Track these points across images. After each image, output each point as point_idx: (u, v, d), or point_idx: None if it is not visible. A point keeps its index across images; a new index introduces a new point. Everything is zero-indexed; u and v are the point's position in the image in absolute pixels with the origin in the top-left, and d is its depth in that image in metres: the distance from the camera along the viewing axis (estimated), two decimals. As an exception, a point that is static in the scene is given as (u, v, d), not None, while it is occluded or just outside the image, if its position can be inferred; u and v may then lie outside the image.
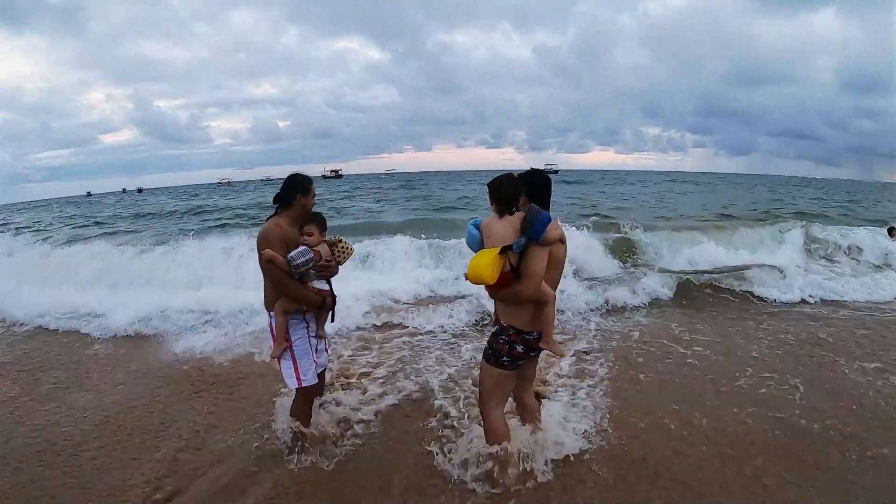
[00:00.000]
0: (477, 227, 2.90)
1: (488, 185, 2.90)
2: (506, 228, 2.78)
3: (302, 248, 3.10)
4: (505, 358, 2.98)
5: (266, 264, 3.09)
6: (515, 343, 2.95)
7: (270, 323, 3.27)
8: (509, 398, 3.37)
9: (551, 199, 2.98)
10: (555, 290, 2.90)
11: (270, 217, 3.22)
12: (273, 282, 3.15)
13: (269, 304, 3.24)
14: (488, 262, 2.69)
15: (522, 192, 2.88)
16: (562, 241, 2.85)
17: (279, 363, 3.29)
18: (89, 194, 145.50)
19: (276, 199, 3.23)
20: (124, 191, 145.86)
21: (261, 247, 3.08)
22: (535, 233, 2.66)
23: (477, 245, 2.89)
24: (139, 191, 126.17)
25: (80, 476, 3.40)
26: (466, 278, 2.81)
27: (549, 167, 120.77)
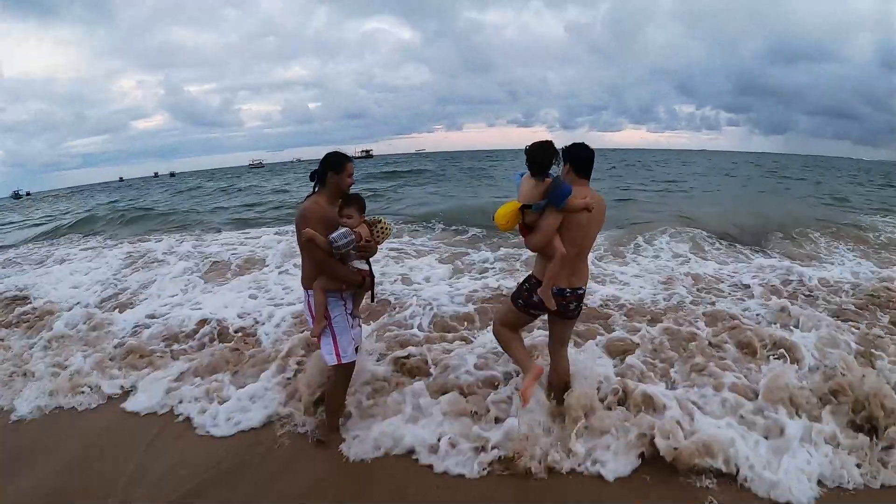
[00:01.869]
0: (520, 177, 3.14)
1: (525, 149, 3.04)
2: (531, 189, 3.01)
3: (344, 229, 3.09)
4: (520, 301, 3.28)
5: (306, 243, 3.05)
6: (533, 292, 3.18)
7: (308, 301, 3.24)
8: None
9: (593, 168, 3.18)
10: (579, 251, 3.13)
11: (309, 196, 3.20)
12: (314, 261, 3.13)
13: (307, 283, 3.22)
14: (506, 212, 3.07)
15: (556, 161, 3.04)
16: (588, 209, 3.00)
17: (319, 341, 3.28)
18: (121, 179, 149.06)
19: (311, 177, 3.21)
20: (156, 174, 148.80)
21: (300, 226, 3.05)
22: (554, 199, 2.95)
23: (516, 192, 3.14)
24: (172, 175, 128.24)
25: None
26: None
27: None
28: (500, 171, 28.29)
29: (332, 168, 3.10)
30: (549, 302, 3.13)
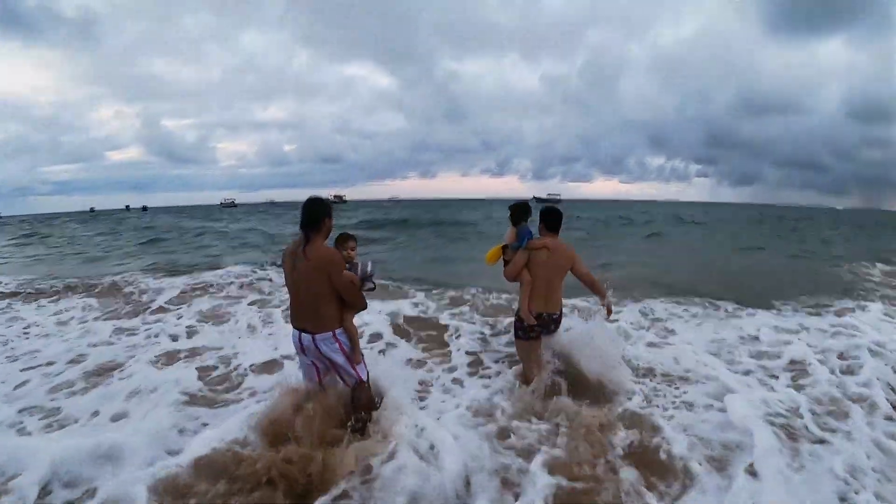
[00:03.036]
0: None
1: (509, 207, 4.49)
2: (510, 234, 4.39)
3: (367, 262, 3.58)
4: (519, 332, 4.40)
5: (350, 286, 3.34)
6: (518, 318, 4.35)
7: (338, 340, 3.38)
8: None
9: (562, 222, 4.40)
10: (547, 283, 4.26)
11: (307, 240, 3.29)
12: (353, 298, 3.39)
13: (333, 323, 3.36)
14: (492, 252, 4.45)
15: (528, 216, 4.41)
16: (547, 247, 4.24)
17: (357, 366, 3.48)
18: (92, 210, 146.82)
19: (309, 223, 3.28)
20: (128, 208, 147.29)
21: (335, 270, 3.27)
22: (520, 241, 4.27)
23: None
24: (144, 209, 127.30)
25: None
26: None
27: (551, 196, 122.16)
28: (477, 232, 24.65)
29: (327, 213, 3.32)
30: (527, 316, 4.22)
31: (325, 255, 3.30)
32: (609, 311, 4.46)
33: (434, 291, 8.77)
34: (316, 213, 3.30)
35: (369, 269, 3.56)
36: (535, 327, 4.27)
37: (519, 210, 4.40)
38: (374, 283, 3.59)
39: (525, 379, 4.40)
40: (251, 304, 8.10)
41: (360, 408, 3.43)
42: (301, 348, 3.44)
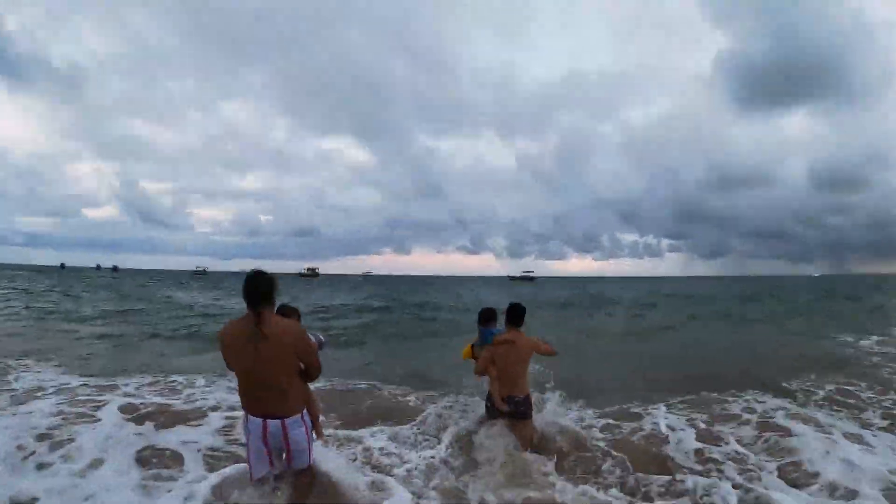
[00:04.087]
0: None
1: (479, 312, 5.11)
2: (479, 335, 5.05)
3: (314, 331, 3.69)
4: (488, 411, 4.86)
5: (316, 352, 3.28)
6: (490, 402, 4.76)
7: (304, 422, 3.20)
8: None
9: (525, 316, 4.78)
10: (512, 372, 4.59)
11: (259, 317, 2.97)
12: (317, 369, 3.28)
13: (300, 403, 3.18)
14: (465, 350, 5.16)
15: (493, 318, 5.01)
16: (509, 341, 4.60)
17: (310, 444, 3.29)
18: (63, 266, 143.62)
19: (261, 299, 3.00)
20: (98, 267, 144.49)
21: (299, 343, 3.08)
22: (485, 340, 4.85)
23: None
24: (115, 269, 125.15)
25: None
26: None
27: (526, 273, 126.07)
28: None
29: (275, 287, 3.07)
30: (500, 404, 4.58)
31: (290, 328, 3.09)
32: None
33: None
34: (265, 287, 3.04)
35: (322, 338, 3.84)
36: (505, 410, 4.62)
37: (485, 314, 5.06)
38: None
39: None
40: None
41: (304, 492, 3.34)
42: (264, 437, 3.09)
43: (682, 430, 5.50)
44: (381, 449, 4.75)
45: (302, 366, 3.17)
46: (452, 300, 31.95)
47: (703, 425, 5.67)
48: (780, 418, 5.86)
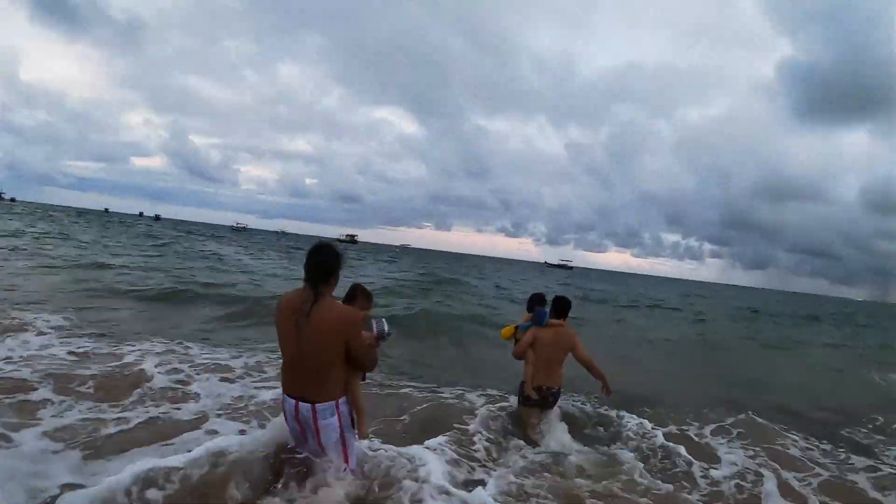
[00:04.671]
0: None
1: (529, 297, 5.12)
2: (525, 317, 5.03)
3: (381, 319, 3.28)
4: (520, 398, 4.92)
5: (369, 348, 3.02)
6: (523, 388, 4.84)
7: (339, 411, 2.95)
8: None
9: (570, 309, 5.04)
10: (548, 362, 4.75)
11: (315, 297, 2.78)
12: (369, 362, 3.07)
13: (338, 391, 2.95)
14: (506, 330, 5.09)
15: (543, 303, 4.97)
16: (554, 329, 4.80)
17: (348, 446, 3.03)
18: (106, 211, 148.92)
19: (320, 277, 2.80)
20: (141, 214, 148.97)
21: (351, 333, 2.85)
22: (539, 320, 4.83)
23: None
24: (157, 217, 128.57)
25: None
26: None
27: (563, 262, 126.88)
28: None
29: (340, 265, 2.87)
30: (530, 391, 4.70)
31: (344, 316, 2.85)
32: (608, 391, 4.75)
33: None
34: (328, 265, 2.83)
35: (386, 328, 3.26)
36: (534, 399, 4.76)
37: (535, 299, 5.04)
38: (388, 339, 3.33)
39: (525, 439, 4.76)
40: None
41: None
42: (297, 418, 2.94)
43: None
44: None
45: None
46: (490, 287, 29.33)
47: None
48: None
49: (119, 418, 4.30)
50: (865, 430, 6.81)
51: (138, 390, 5.01)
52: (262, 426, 4.26)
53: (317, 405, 2.89)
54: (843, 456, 5.51)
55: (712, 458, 4.94)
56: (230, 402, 5.05)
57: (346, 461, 3.02)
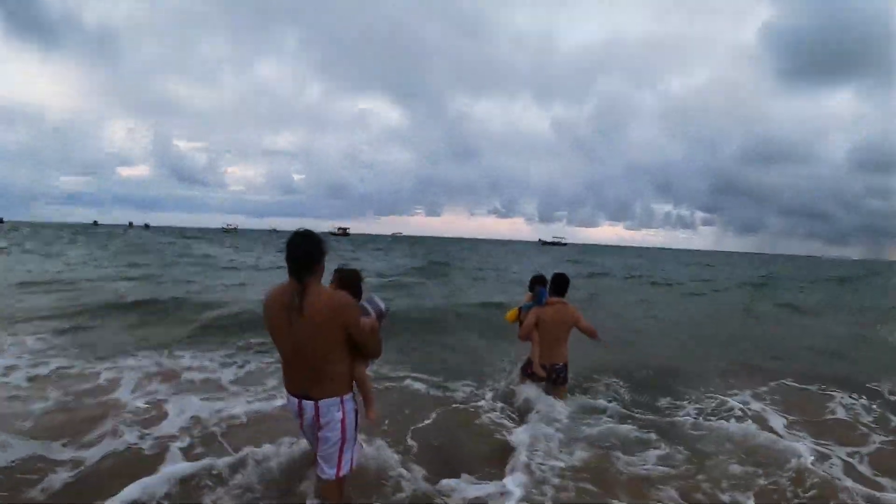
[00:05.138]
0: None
1: (530, 279, 5.13)
2: (528, 298, 5.08)
3: (373, 296, 3.16)
4: (525, 372, 5.12)
5: (372, 333, 2.80)
6: (527, 367, 5.05)
7: (343, 408, 2.78)
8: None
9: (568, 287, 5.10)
10: (553, 339, 4.87)
11: (303, 288, 2.60)
12: (374, 346, 2.87)
13: (343, 386, 2.80)
14: (511, 312, 5.22)
15: (543, 282, 5.04)
16: (559, 304, 4.92)
17: (345, 448, 2.83)
18: (96, 223, 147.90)
19: (304, 266, 2.61)
20: (131, 224, 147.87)
21: (348, 319, 2.66)
22: (540, 300, 4.93)
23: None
24: (146, 227, 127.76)
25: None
26: None
27: (557, 239, 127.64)
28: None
29: (324, 250, 2.71)
30: (538, 369, 4.85)
31: (336, 302, 2.66)
32: (606, 344, 5.41)
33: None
34: (311, 253, 2.63)
35: (382, 305, 3.15)
36: (542, 377, 4.94)
37: (536, 280, 5.10)
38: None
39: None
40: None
41: (332, 493, 2.93)
42: (300, 416, 2.81)
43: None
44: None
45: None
46: (492, 267, 28.77)
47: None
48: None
49: (69, 460, 3.63)
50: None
51: (105, 419, 4.37)
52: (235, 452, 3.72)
53: (319, 402, 2.74)
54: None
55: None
56: (208, 424, 4.35)
57: (338, 468, 2.83)
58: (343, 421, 2.77)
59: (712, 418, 5.07)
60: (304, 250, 2.63)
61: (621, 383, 6.17)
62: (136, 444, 3.89)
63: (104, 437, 4.00)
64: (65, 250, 28.80)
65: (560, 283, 5.05)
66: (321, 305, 2.61)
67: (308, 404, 2.74)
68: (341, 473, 2.83)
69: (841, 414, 5.47)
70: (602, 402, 5.26)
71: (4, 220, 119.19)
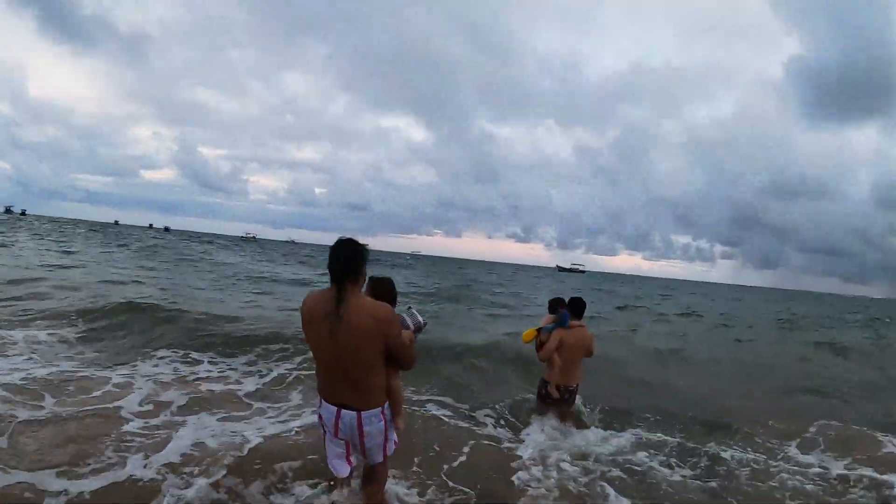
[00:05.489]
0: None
1: (549, 301, 5.22)
2: (547, 320, 5.03)
3: (412, 310, 3.22)
4: (541, 396, 5.14)
5: (410, 345, 2.86)
6: (542, 387, 5.10)
7: (384, 416, 2.81)
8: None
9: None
10: (569, 362, 4.91)
11: (341, 295, 2.56)
12: (409, 358, 2.87)
13: (382, 395, 2.80)
14: (528, 333, 4.99)
15: (564, 306, 5.06)
16: (581, 328, 5.00)
17: (388, 443, 2.90)
18: (117, 223, 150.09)
19: (346, 273, 2.59)
20: (151, 226, 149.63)
21: (389, 331, 2.63)
22: (562, 321, 4.93)
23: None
24: (166, 230, 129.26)
25: None
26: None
27: (575, 266, 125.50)
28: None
29: (365, 258, 2.69)
30: (554, 392, 4.97)
31: (381, 315, 2.62)
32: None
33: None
34: (354, 260, 2.62)
35: (421, 318, 3.17)
36: (555, 398, 5.02)
37: (556, 302, 5.16)
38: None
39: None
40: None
41: (380, 484, 3.10)
42: (336, 428, 2.77)
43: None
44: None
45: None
46: (507, 294, 27.68)
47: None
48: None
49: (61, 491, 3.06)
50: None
51: (106, 438, 3.80)
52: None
53: (362, 413, 2.73)
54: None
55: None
56: (216, 453, 3.71)
57: (384, 455, 2.92)
58: (385, 425, 2.81)
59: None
60: (346, 257, 2.60)
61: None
62: (135, 475, 3.31)
63: (102, 462, 3.45)
64: (87, 247, 28.95)
65: (578, 307, 5.13)
66: (365, 315, 2.57)
67: (348, 413, 2.72)
68: (388, 454, 2.93)
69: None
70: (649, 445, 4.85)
71: (27, 213, 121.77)
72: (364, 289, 2.89)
